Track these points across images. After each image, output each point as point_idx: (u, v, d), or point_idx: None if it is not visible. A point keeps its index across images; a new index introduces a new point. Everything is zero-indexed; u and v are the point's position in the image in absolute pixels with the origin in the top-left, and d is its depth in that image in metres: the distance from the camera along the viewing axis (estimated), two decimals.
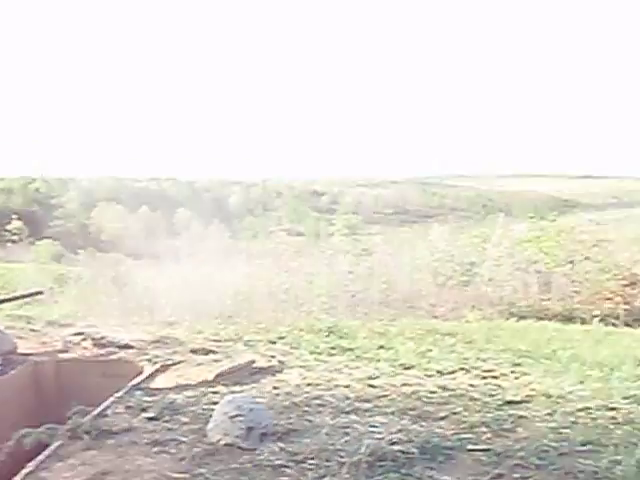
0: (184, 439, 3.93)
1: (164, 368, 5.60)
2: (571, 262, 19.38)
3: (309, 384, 5.09)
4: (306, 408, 4.50)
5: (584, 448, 3.91)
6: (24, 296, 6.76)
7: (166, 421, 4.25)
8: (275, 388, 4.97)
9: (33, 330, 7.41)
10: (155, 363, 5.74)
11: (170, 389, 4.97)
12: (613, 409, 4.73)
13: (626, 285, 18.81)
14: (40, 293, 6.86)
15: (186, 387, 5.00)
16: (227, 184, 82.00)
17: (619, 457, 3.72)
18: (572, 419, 4.46)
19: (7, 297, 6.65)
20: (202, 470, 3.49)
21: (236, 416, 3.86)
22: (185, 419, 4.27)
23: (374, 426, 4.13)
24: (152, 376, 5.40)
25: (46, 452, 3.88)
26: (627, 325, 14.95)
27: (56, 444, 3.97)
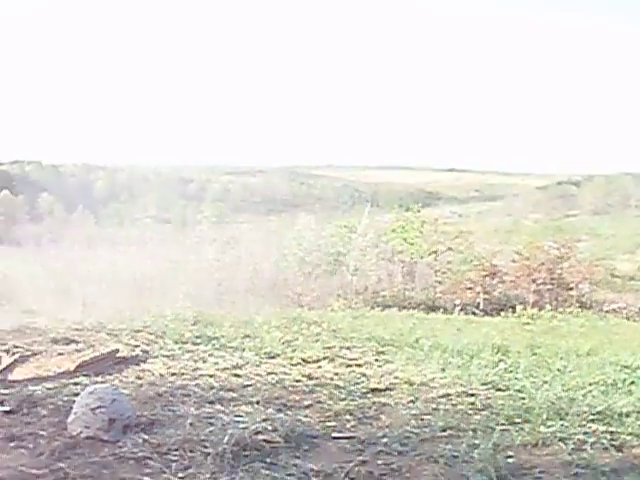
0: (43, 433, 3.80)
1: (23, 359, 5.41)
2: (434, 253, 19.97)
3: (173, 374, 5.05)
4: (170, 398, 4.44)
5: (444, 434, 4.03)
6: None
7: (24, 414, 4.11)
8: (139, 378, 4.89)
9: None
10: (13, 354, 5.54)
11: (29, 381, 4.81)
12: (472, 395, 4.90)
13: (486, 275, 19.59)
14: None
15: (46, 378, 4.85)
16: (93, 169, 80.00)
17: (477, 441, 3.85)
18: (433, 406, 4.59)
19: None
20: (62, 465, 3.38)
21: (97, 408, 3.76)
22: (44, 412, 4.14)
23: (239, 416, 4.12)
24: (10, 367, 5.21)
25: None
26: (487, 314, 15.56)
27: None
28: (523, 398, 4.88)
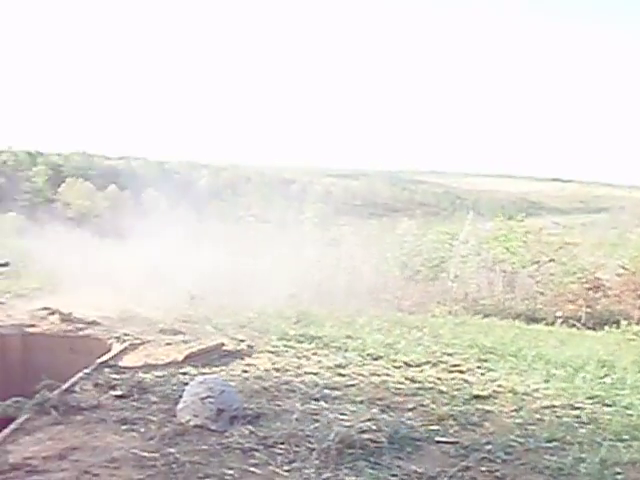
0: (153, 418, 3.91)
1: (133, 347, 5.57)
2: (536, 263, 19.57)
3: (278, 369, 5.10)
4: (275, 393, 4.50)
5: (549, 445, 3.96)
6: None
7: (135, 400, 4.23)
8: (244, 372, 4.97)
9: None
10: (124, 341, 5.71)
11: (139, 368, 4.95)
12: (577, 408, 4.79)
13: (589, 288, 19.05)
14: (6, 265, 6.76)
15: (155, 367, 4.98)
16: (197, 166, 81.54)
17: (583, 455, 3.77)
18: (538, 416, 4.52)
19: None
20: (171, 450, 3.48)
21: (207, 397, 3.85)
22: (154, 398, 4.25)
23: (343, 414, 4.15)
24: (120, 354, 5.37)
25: (12, 426, 3.84)
26: (589, 328, 15.13)
27: (23, 418, 3.93)
28: (630, 415, 4.75)
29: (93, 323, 6.23)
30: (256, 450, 3.53)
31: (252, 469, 3.29)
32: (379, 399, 4.55)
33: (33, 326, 6.23)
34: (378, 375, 5.19)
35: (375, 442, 3.72)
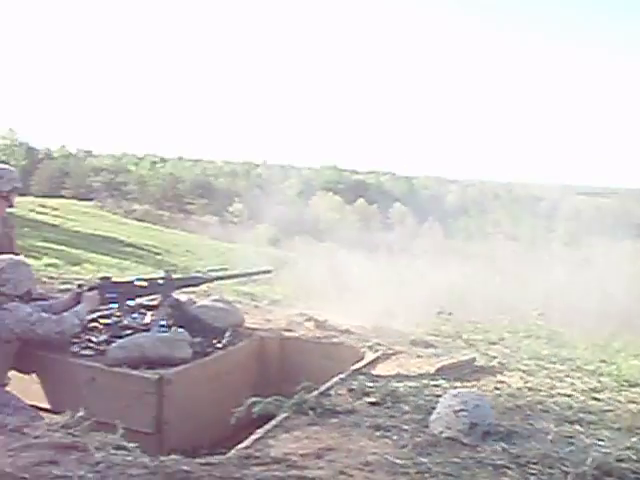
0: (406, 427, 3.97)
1: (385, 356, 5.69)
2: None
3: (530, 389, 5.00)
4: (528, 412, 4.41)
5: None
6: (254, 273, 7.06)
7: (388, 407, 4.32)
8: (496, 389, 4.92)
9: (257, 307, 7.75)
10: (376, 350, 5.84)
11: (392, 377, 5.04)
12: None
13: None
14: (269, 272, 7.13)
15: (407, 377, 5.05)
16: (444, 182, 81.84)
17: None
18: None
19: (238, 272, 6.96)
20: (424, 459, 3.51)
21: (460, 411, 3.86)
22: (407, 408, 4.31)
23: (600, 439, 4.00)
24: (373, 363, 5.50)
25: (273, 422, 4.05)
26: None
27: (282, 416, 4.13)
28: None
29: (346, 331, 6.40)
30: (508, 468, 3.48)
31: None
32: (638, 428, 4.33)
33: (289, 330, 6.52)
34: (636, 403, 4.94)
35: (635, 473, 3.55)
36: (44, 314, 5.05)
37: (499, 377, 5.25)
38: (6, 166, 6.46)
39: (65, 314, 5.17)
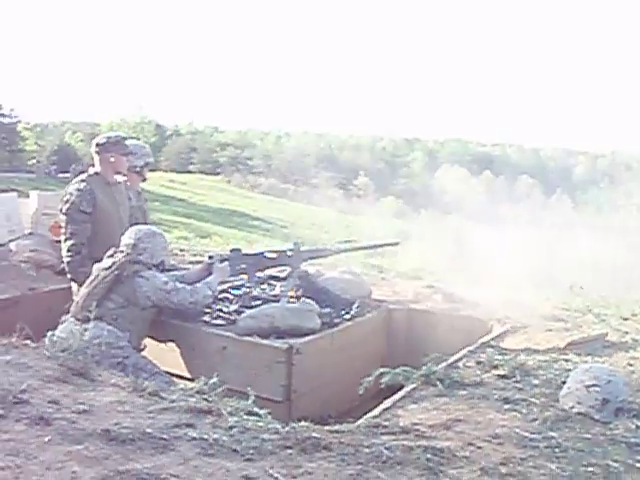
0: (535, 401, 3.92)
1: (514, 329, 5.62)
2: None
3: None
4: None
5: None
6: (381, 245, 7.08)
7: (517, 381, 4.27)
8: (629, 365, 4.78)
9: (384, 279, 7.78)
10: (505, 324, 5.78)
11: (520, 350, 4.98)
12: None
13: None
14: (396, 243, 7.13)
15: (537, 351, 4.98)
16: (573, 153, 79.54)
17: None
18: None
19: (365, 245, 7.00)
20: (553, 434, 3.47)
21: (592, 386, 3.78)
22: (536, 382, 4.25)
23: None
24: (502, 336, 5.45)
25: (401, 393, 4.08)
26: None
27: (411, 387, 4.15)
28: None
29: (474, 304, 6.36)
30: None
31: (638, 465, 3.18)
32: None
33: (417, 302, 6.52)
34: None
35: None
36: (179, 284, 5.22)
37: (632, 353, 5.10)
38: (139, 142, 6.71)
39: (198, 285, 5.33)
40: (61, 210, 5.73)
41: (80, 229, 5.55)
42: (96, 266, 5.18)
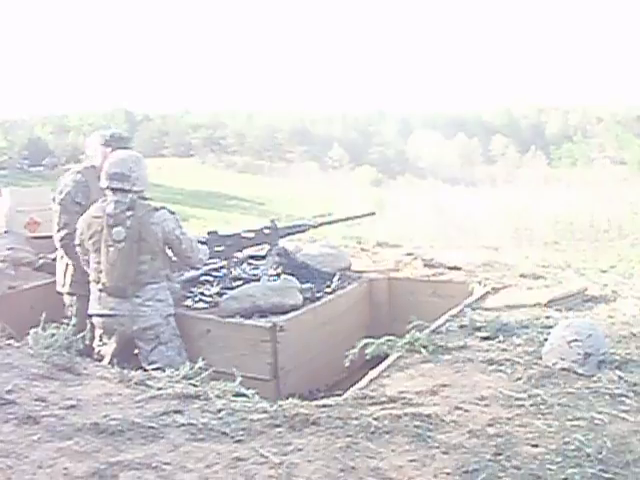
0: (519, 360, 3.95)
1: (495, 290, 5.66)
2: None
3: None
4: None
5: None
6: (358, 217, 7.10)
7: (500, 341, 4.30)
8: (610, 317, 4.84)
9: (364, 249, 7.79)
10: (485, 285, 5.81)
11: (502, 311, 5.02)
12: None
13: None
14: (372, 214, 7.16)
15: (518, 310, 5.02)
16: (545, 109, 79.70)
17: None
18: None
19: (342, 217, 7.02)
20: (538, 391, 3.51)
21: (574, 341, 3.82)
22: (519, 341, 4.29)
23: None
24: (483, 297, 5.49)
25: (387, 362, 4.11)
26: None
27: (395, 355, 4.18)
28: None
29: (454, 268, 6.39)
30: (626, 396, 3.44)
31: (622, 415, 3.22)
32: None
33: (397, 271, 6.55)
34: None
35: None
36: (185, 230, 5.19)
37: (612, 305, 5.16)
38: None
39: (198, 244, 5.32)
40: (54, 199, 5.72)
41: (73, 220, 5.52)
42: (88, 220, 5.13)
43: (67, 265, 5.65)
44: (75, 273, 5.57)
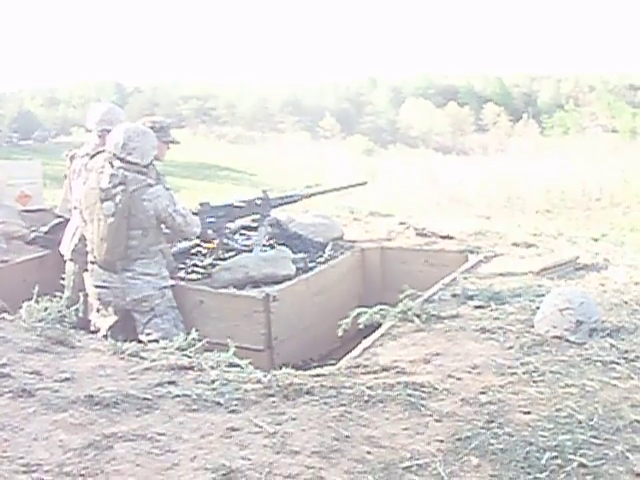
0: (511, 328, 3.98)
1: (487, 259, 5.68)
2: None
3: (637, 283, 4.92)
4: (636, 307, 4.35)
5: None
6: (349, 186, 7.09)
7: (492, 310, 4.32)
8: (602, 285, 4.86)
9: (356, 219, 7.80)
10: (477, 254, 5.83)
11: (495, 279, 5.04)
12: None
13: None
14: (364, 184, 7.15)
15: (511, 278, 5.04)
16: (537, 78, 79.40)
17: None
18: None
19: (334, 187, 7.01)
20: (531, 359, 3.53)
21: (566, 309, 3.84)
22: (511, 309, 4.31)
23: None
24: (475, 266, 5.50)
25: (380, 331, 4.12)
26: None
27: (388, 324, 4.19)
28: None
29: (446, 237, 6.41)
30: (617, 363, 3.46)
31: (613, 382, 3.25)
32: None
33: (390, 240, 6.56)
34: None
35: None
36: (179, 206, 5.11)
37: (604, 273, 5.18)
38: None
39: (193, 216, 5.26)
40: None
41: None
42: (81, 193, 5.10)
43: (76, 229, 5.56)
44: (79, 242, 5.52)
